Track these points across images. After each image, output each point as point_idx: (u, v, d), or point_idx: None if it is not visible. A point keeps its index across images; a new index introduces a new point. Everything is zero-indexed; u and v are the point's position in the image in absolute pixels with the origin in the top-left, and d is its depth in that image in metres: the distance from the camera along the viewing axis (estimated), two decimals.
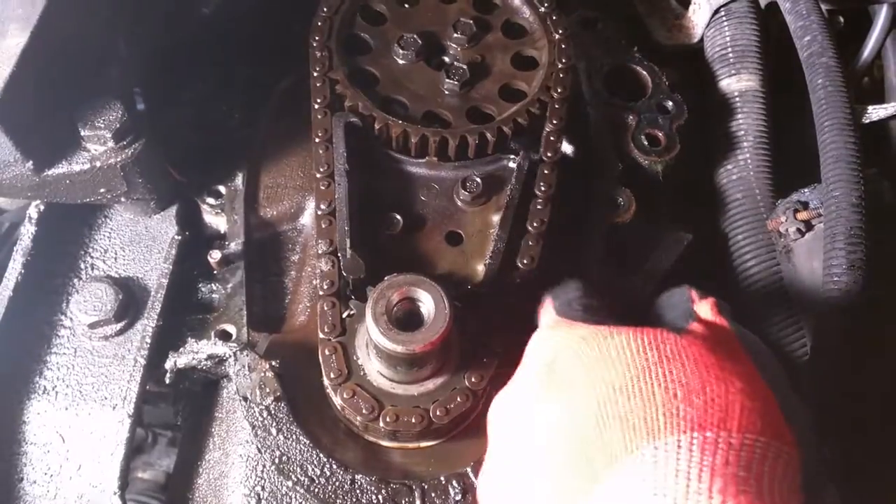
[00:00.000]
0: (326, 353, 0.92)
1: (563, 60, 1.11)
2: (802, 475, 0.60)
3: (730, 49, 1.33)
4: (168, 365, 0.96)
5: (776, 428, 0.61)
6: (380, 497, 0.89)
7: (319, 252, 0.95)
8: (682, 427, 0.58)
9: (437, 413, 0.89)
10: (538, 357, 0.74)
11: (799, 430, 0.63)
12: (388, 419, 0.88)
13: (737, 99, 1.31)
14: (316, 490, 0.89)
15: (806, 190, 1.19)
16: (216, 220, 1.09)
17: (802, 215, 1.17)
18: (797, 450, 0.61)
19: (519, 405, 0.73)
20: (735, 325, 0.73)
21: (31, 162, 0.86)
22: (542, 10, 1.15)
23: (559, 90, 1.09)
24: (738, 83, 1.32)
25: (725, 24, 1.35)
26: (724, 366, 0.64)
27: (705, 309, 0.73)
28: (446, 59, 1.13)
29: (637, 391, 0.61)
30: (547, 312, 0.79)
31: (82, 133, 0.90)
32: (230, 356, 0.96)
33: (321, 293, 0.94)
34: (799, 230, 1.16)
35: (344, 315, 0.94)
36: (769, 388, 0.64)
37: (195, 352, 0.95)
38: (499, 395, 0.77)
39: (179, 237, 1.03)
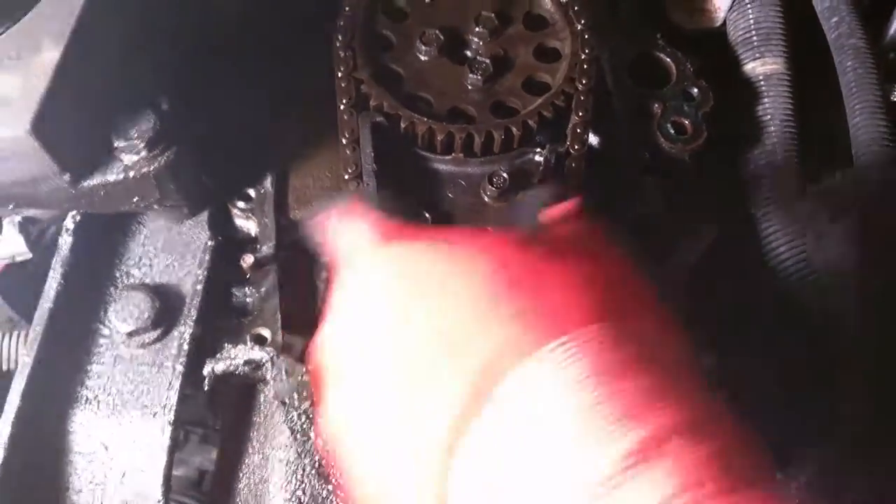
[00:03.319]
0: None
1: (587, 51, 1.10)
2: None
3: (754, 32, 1.31)
4: (206, 371, 0.97)
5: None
6: None
7: None
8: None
9: None
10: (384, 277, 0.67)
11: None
12: None
13: (762, 83, 1.29)
14: None
15: (837, 173, 1.17)
16: (247, 224, 1.09)
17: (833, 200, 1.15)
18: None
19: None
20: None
21: (67, 175, 0.87)
22: (563, 0, 1.13)
23: (584, 81, 1.08)
24: (763, 67, 1.29)
25: (749, 6, 1.32)
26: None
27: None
28: (468, 53, 1.12)
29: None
30: (354, 228, 0.71)
31: (115, 143, 0.91)
32: (267, 361, 0.96)
33: None
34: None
35: None
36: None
37: (232, 357, 0.96)
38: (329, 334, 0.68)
39: (212, 242, 1.04)
